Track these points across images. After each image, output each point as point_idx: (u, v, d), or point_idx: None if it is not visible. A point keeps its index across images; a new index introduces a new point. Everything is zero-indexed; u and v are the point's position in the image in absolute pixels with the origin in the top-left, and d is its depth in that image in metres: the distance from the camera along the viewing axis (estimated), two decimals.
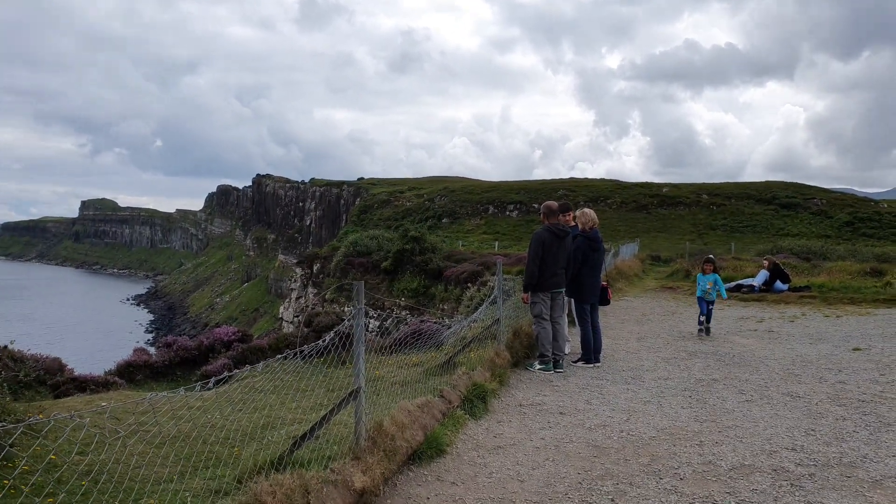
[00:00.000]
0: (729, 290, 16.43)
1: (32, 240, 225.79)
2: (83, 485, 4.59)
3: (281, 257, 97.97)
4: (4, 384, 7.60)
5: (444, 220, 54.69)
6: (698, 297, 11.91)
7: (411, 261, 26.30)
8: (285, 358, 4.36)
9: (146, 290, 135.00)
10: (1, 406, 5.26)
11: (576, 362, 9.10)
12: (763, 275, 18.02)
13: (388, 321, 25.04)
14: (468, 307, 18.85)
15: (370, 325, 23.27)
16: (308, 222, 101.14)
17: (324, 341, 4.35)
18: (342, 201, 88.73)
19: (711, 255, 13.51)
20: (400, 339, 8.67)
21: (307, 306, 39.78)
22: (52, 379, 8.19)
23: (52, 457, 5.08)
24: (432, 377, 7.95)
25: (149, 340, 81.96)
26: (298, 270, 44.51)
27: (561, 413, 6.87)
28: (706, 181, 66.04)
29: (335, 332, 4.29)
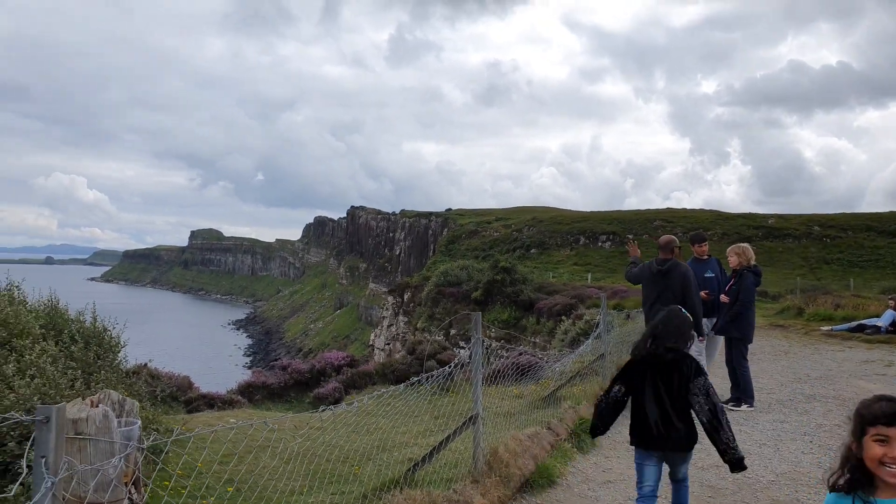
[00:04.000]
0: (850, 330, 15.48)
1: (148, 266, 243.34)
2: (229, 490, 5.06)
3: (371, 286, 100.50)
4: (147, 398, 8.39)
5: (532, 251, 54.54)
6: None
7: (502, 292, 26.43)
8: (413, 384, 4.66)
9: (246, 315, 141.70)
10: (154, 418, 5.86)
11: (738, 407, 8.45)
12: (890, 315, 16.78)
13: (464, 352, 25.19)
14: (562, 341, 18.75)
15: (460, 355, 23.46)
16: (397, 252, 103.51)
17: (449, 368, 4.62)
18: (430, 232, 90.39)
19: None
20: (499, 370, 8.84)
21: (397, 334, 40.62)
22: (183, 395, 8.97)
23: (199, 465, 5.63)
24: (536, 409, 8.08)
25: (246, 364, 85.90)
26: (390, 299, 45.56)
27: None
28: (817, 211, 62.40)
29: (456, 361, 4.55)
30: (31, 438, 1.72)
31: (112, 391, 2.17)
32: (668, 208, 63.83)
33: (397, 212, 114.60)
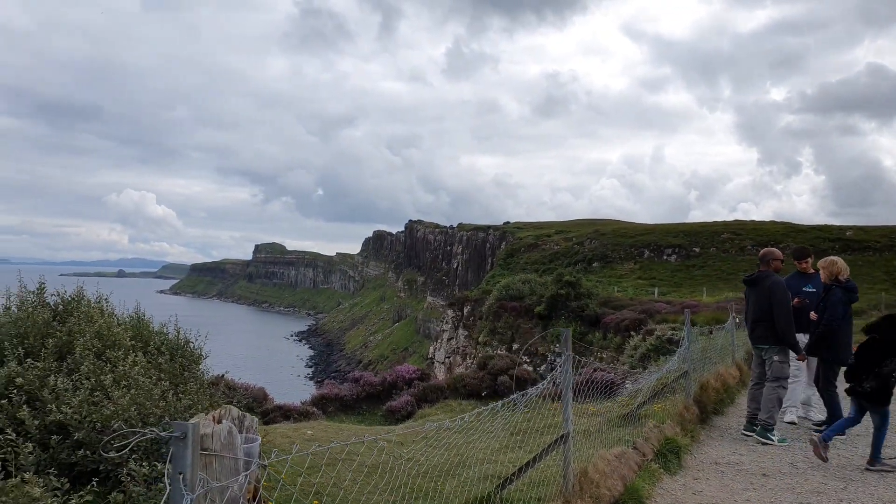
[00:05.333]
0: None
1: (214, 279, 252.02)
2: (314, 503, 5.05)
3: (429, 299, 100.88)
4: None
5: (594, 265, 53.52)
6: None
7: (566, 306, 25.97)
8: (508, 403, 4.53)
9: (307, 327, 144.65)
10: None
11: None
12: None
13: (542, 368, 24.80)
14: (632, 357, 18.24)
15: (542, 370, 23.16)
16: (455, 265, 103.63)
17: (539, 386, 4.47)
18: (488, 245, 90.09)
19: None
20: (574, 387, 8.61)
21: (458, 347, 40.50)
22: (260, 406, 9.11)
23: (283, 477, 5.65)
24: (615, 428, 7.81)
25: (308, 375, 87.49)
26: (449, 312, 45.53)
27: (764, 475, 6.43)
28: None
29: (550, 377, 4.41)
30: (170, 454, 1.69)
31: (232, 407, 2.14)
32: (736, 220, 61.57)
33: (454, 225, 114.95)
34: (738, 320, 12.36)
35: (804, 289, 8.31)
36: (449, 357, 41.33)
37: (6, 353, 5.97)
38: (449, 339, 43.29)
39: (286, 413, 8.88)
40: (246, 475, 1.98)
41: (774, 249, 8.15)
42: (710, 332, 10.78)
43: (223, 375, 10.00)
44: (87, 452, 4.85)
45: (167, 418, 5.24)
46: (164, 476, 4.64)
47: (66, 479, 4.34)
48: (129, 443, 1.77)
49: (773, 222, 58.74)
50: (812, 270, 8.50)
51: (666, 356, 15.11)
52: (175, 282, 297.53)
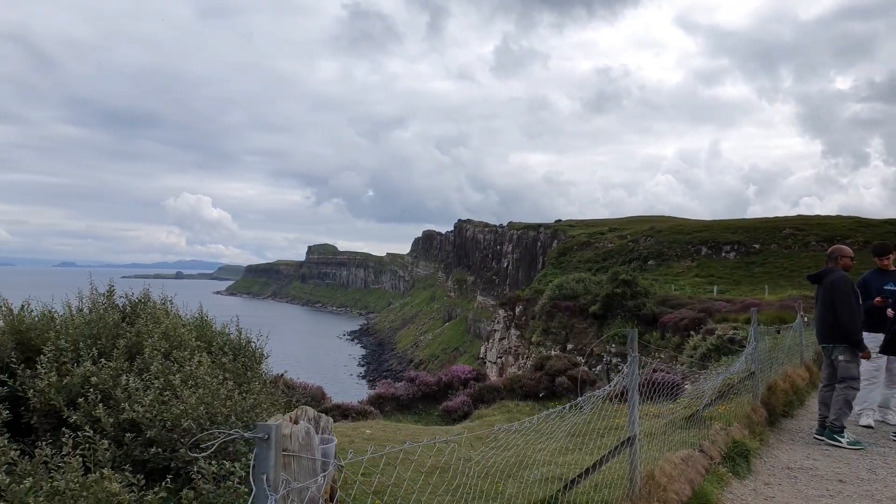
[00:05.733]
0: None
1: (268, 280, 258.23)
2: (377, 503, 5.07)
3: (479, 298, 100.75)
4: (285, 408, 8.65)
5: (650, 263, 52.35)
6: None
7: (622, 305, 25.47)
8: (574, 406, 4.45)
9: (359, 326, 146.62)
10: None
11: None
12: None
13: (598, 369, 24.42)
14: (691, 357, 17.76)
15: (605, 370, 22.86)
16: (505, 265, 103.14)
17: (607, 387, 4.37)
18: (539, 244, 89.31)
19: None
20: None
21: (510, 347, 40.29)
22: (318, 406, 9.24)
23: (345, 475, 5.71)
24: (679, 430, 7.60)
25: (360, 374, 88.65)
26: (501, 312, 45.36)
27: (840, 481, 6.14)
28: None
29: (618, 378, 4.30)
30: (254, 455, 1.70)
31: (308, 408, 2.15)
32: (798, 215, 59.23)
33: (504, 224, 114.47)
34: (806, 319, 11.87)
35: (885, 287, 7.87)
36: (501, 357, 41.18)
37: (81, 353, 6.22)
38: (501, 339, 43.13)
39: (344, 412, 8.99)
40: (324, 476, 1.98)
41: (844, 246, 7.80)
42: (778, 332, 10.38)
43: (282, 375, 10.18)
44: (159, 450, 5.00)
45: (233, 418, 5.35)
46: (232, 474, 4.73)
47: (142, 476, 4.48)
48: (216, 442, 1.79)
49: (839, 217, 56.26)
50: (894, 267, 8.06)
51: (728, 356, 14.65)
52: (231, 283, 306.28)
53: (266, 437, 1.66)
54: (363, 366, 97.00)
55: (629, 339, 4.59)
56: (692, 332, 19.35)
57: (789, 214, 61.47)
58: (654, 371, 11.04)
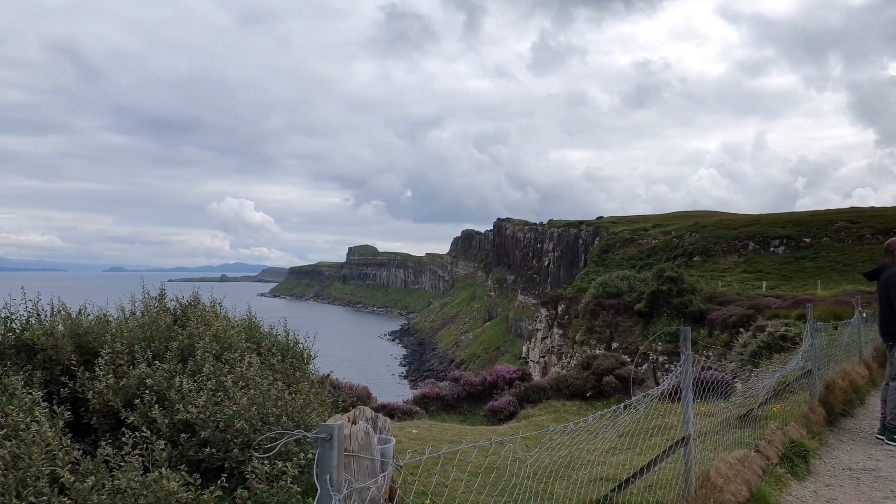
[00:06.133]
0: None
1: (311, 282, 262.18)
2: (427, 503, 5.07)
3: (520, 298, 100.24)
4: (332, 408, 8.73)
5: (695, 259, 51.22)
6: None
7: (668, 303, 24.97)
8: (629, 406, 4.37)
9: (400, 326, 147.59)
10: None
11: None
12: None
13: (644, 367, 24.00)
14: (741, 355, 17.31)
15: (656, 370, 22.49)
16: (546, 263, 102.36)
17: (661, 386, 4.28)
18: (580, 241, 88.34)
19: None
20: (679, 386, 8.22)
21: (553, 347, 39.96)
22: (364, 405, 9.29)
23: (396, 476, 5.73)
24: (732, 430, 7.40)
25: (402, 374, 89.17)
26: (543, 311, 45.00)
27: None
28: None
29: (671, 378, 4.20)
30: (316, 456, 1.70)
31: (366, 408, 2.15)
32: (852, 207, 57.12)
33: (544, 222, 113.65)
34: (864, 315, 11.42)
35: None
36: (544, 356, 40.86)
37: (136, 355, 6.39)
38: (543, 339, 42.80)
39: (390, 412, 9.05)
40: (384, 476, 1.97)
41: None
42: (836, 328, 10.02)
43: (328, 375, 10.30)
44: (213, 450, 5.11)
45: (285, 418, 5.42)
46: (284, 474, 4.78)
47: (198, 475, 4.57)
48: (279, 443, 1.81)
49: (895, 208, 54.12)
50: None
51: (780, 354, 14.23)
52: (274, 285, 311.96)
53: (329, 437, 1.66)
54: (404, 365, 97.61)
55: (682, 338, 4.48)
56: (741, 330, 18.84)
57: (842, 206, 59.33)
58: (704, 369, 10.80)
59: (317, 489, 1.71)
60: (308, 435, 1.71)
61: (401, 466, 2.09)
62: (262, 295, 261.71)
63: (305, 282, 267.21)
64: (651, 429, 7.98)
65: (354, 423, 2.05)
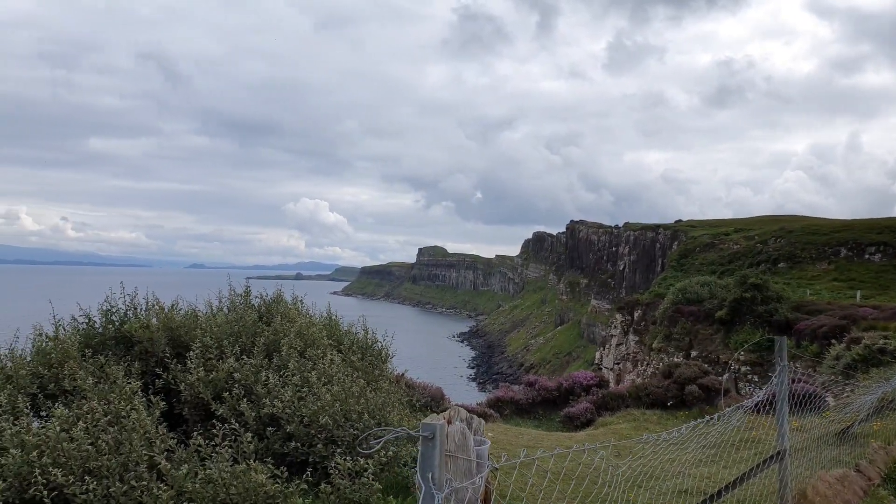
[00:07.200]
0: None
1: (381, 282, 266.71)
2: None
3: (594, 302, 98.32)
4: (406, 407, 8.82)
5: (780, 265, 48.71)
6: None
7: (752, 311, 23.84)
8: (722, 417, 4.19)
9: (468, 328, 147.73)
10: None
11: None
12: None
13: (724, 377, 23.02)
14: (833, 367, 16.35)
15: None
16: (621, 267, 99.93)
17: (755, 398, 4.07)
18: (657, 245, 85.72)
19: None
20: (768, 399, 7.80)
21: (628, 353, 38.97)
22: (437, 406, 9.38)
23: (491, 478, 5.71)
24: (828, 447, 6.98)
25: (470, 375, 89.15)
26: (618, 317, 43.98)
27: None
28: None
29: (767, 388, 4.00)
30: (419, 454, 1.70)
31: (461, 408, 2.14)
32: None
33: (620, 225, 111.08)
34: None
35: None
36: (618, 363, 39.93)
37: (225, 350, 6.66)
38: (618, 345, 41.82)
39: None
40: (482, 476, 1.96)
41: None
42: None
43: (403, 374, 10.41)
44: (298, 444, 5.25)
45: (366, 415, 5.51)
46: (366, 471, 4.85)
47: (285, 468, 4.71)
48: (382, 440, 1.82)
49: None
50: None
51: (878, 368, 13.34)
52: (346, 283, 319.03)
53: (431, 436, 1.66)
54: (473, 368, 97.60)
55: (777, 348, 4.25)
56: (833, 341, 17.77)
57: None
58: (795, 381, 10.24)
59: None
60: (412, 432, 1.72)
61: (496, 468, 2.06)
62: (334, 293, 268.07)
63: (376, 281, 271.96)
64: (738, 441, 7.63)
65: (450, 423, 2.04)
